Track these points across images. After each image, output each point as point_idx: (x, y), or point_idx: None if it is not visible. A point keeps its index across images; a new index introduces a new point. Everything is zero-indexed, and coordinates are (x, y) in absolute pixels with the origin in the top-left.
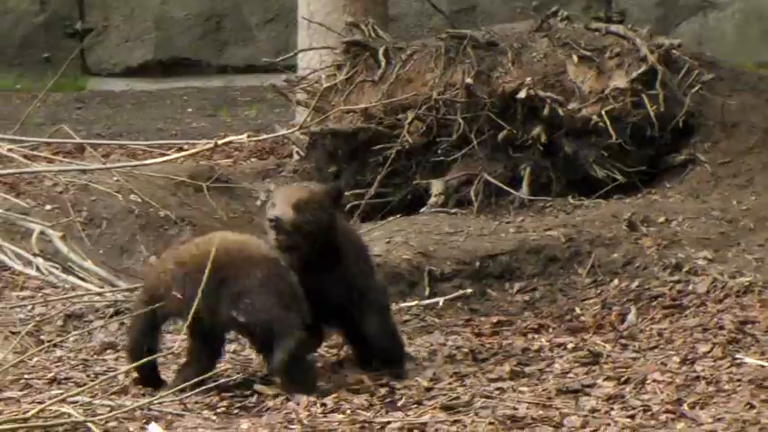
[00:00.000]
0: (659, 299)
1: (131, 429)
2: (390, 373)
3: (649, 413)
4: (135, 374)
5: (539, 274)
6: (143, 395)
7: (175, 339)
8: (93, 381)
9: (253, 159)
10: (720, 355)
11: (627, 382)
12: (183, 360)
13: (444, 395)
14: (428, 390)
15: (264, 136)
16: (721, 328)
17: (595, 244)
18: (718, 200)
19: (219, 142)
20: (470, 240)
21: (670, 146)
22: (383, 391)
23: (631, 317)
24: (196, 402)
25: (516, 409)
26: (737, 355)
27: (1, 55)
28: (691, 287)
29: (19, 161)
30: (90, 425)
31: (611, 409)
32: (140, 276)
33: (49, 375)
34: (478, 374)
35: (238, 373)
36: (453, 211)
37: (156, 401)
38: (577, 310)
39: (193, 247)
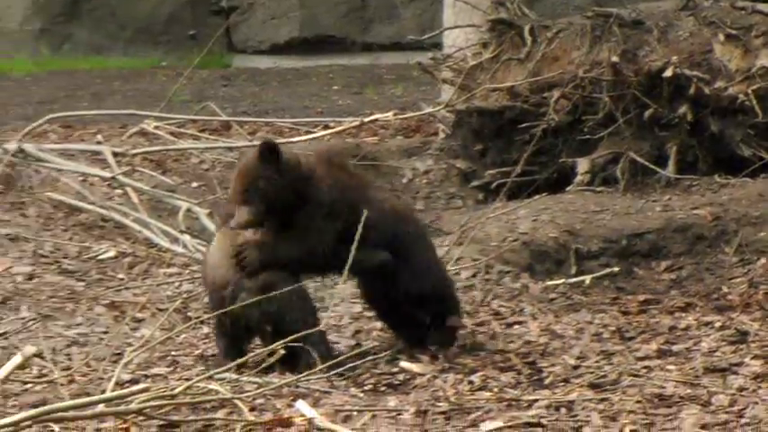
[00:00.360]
0: None
1: (278, 406)
2: (446, 335)
3: None
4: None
5: (685, 253)
6: (290, 372)
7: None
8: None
9: (399, 137)
10: None
11: None
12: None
13: (591, 373)
14: (575, 368)
15: (410, 114)
16: None
17: (742, 223)
18: None
19: (365, 120)
20: (617, 219)
21: None
22: (530, 369)
23: None
24: (343, 379)
25: (663, 387)
26: None
27: (147, 32)
28: None
29: (165, 138)
30: (237, 402)
31: (759, 387)
32: None
33: (197, 352)
34: (625, 353)
35: (386, 351)
36: (599, 189)
37: (303, 378)
38: (724, 289)
39: None
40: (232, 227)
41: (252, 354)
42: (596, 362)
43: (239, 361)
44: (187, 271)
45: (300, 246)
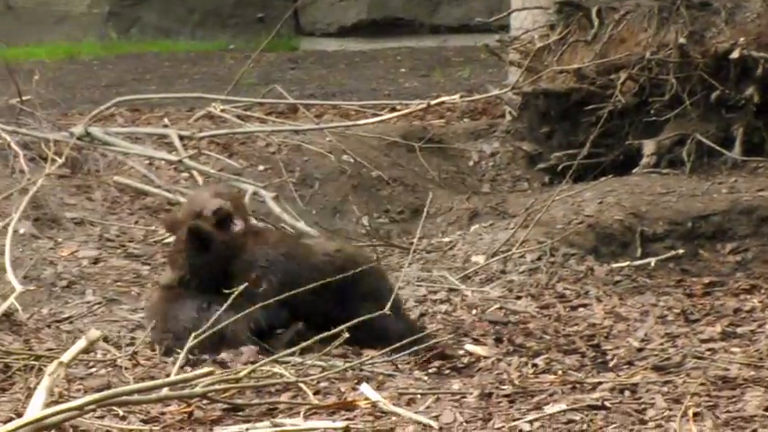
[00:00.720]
0: None
1: (343, 390)
2: None
3: None
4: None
5: (751, 235)
6: (355, 355)
7: None
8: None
9: (465, 120)
10: None
11: None
12: None
13: (655, 356)
14: (639, 350)
15: (477, 96)
16: None
17: None
18: None
19: (432, 102)
20: (682, 201)
21: None
22: (594, 351)
23: None
24: (407, 363)
25: (728, 369)
26: None
27: (215, 15)
28: None
29: (232, 122)
30: (301, 385)
31: None
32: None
33: None
34: (690, 335)
35: (450, 334)
36: (665, 171)
37: (367, 362)
38: None
39: None
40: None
41: (317, 336)
42: (660, 344)
43: (304, 344)
44: None
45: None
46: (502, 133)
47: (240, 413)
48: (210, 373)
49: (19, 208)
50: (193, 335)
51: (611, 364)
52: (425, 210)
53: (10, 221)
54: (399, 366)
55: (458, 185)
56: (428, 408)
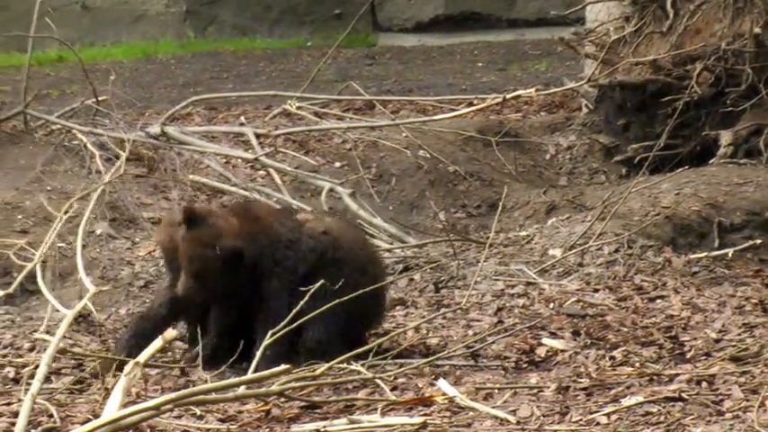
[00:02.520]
0: None
1: (420, 385)
2: None
3: None
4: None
5: None
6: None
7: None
8: (380, 337)
9: (542, 113)
10: None
11: None
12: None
13: (733, 347)
14: (717, 341)
15: (553, 89)
16: None
17: None
18: None
19: (508, 96)
20: (760, 191)
21: None
22: (672, 343)
23: None
24: (484, 357)
25: None
26: None
27: (292, 12)
28: None
29: (309, 119)
30: (379, 381)
31: None
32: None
33: None
34: (767, 325)
35: (527, 328)
36: (742, 161)
37: (444, 357)
38: None
39: None
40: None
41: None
42: (738, 335)
43: (378, 341)
44: None
45: None
46: (578, 126)
47: (317, 411)
48: (287, 371)
49: (88, 207)
50: (270, 332)
51: (688, 355)
52: (500, 204)
53: (80, 222)
54: (477, 361)
55: (534, 179)
56: (505, 402)
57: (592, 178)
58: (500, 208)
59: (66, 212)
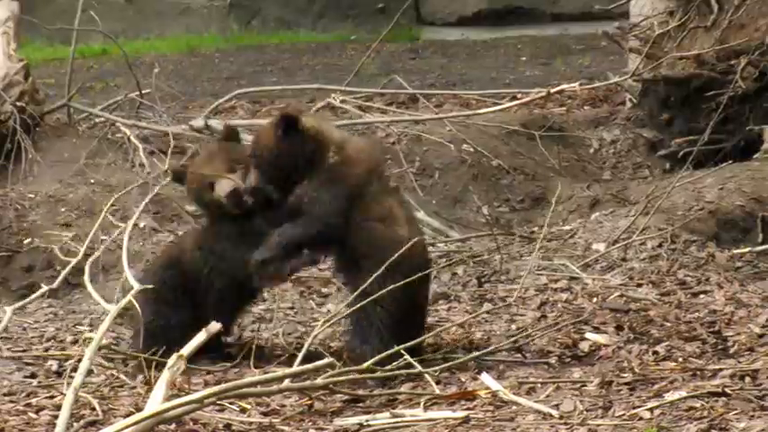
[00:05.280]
0: None
1: (463, 380)
2: None
3: None
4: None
5: None
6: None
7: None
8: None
9: (586, 107)
10: None
11: None
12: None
13: None
14: (760, 336)
15: (596, 84)
16: None
17: None
18: None
19: (552, 91)
20: None
21: None
22: (715, 338)
23: None
24: (528, 351)
25: None
26: None
27: (336, 7)
28: None
29: (352, 112)
30: (426, 376)
31: None
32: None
33: None
34: None
35: (571, 322)
36: None
37: (489, 353)
38: None
39: None
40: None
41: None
42: None
43: (423, 337)
44: None
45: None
46: (622, 120)
47: (360, 404)
48: (332, 365)
49: (140, 206)
50: (322, 320)
51: (731, 350)
52: (554, 201)
53: (123, 215)
54: (520, 356)
55: (578, 173)
56: (548, 396)
57: (635, 173)
58: (553, 204)
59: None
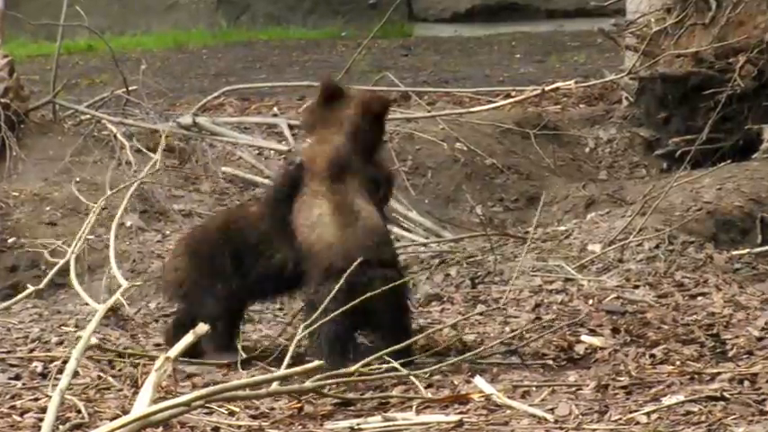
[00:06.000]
0: None
1: (456, 383)
2: None
3: None
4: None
5: None
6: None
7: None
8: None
9: (581, 106)
10: None
11: None
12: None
13: None
14: (759, 339)
15: (592, 82)
16: None
17: None
18: None
19: (547, 88)
20: None
21: None
22: (713, 341)
23: None
24: (521, 354)
25: None
26: None
27: (327, 3)
28: None
29: None
30: (413, 378)
31: None
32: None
33: None
34: None
35: (566, 324)
36: None
37: (481, 354)
38: None
39: None
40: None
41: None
42: None
43: (414, 338)
44: None
45: None
46: (618, 119)
47: (351, 408)
48: (321, 368)
49: (123, 202)
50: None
51: (730, 353)
52: (542, 199)
53: (110, 214)
54: (514, 358)
55: (574, 173)
56: (543, 400)
57: (632, 172)
58: (541, 203)
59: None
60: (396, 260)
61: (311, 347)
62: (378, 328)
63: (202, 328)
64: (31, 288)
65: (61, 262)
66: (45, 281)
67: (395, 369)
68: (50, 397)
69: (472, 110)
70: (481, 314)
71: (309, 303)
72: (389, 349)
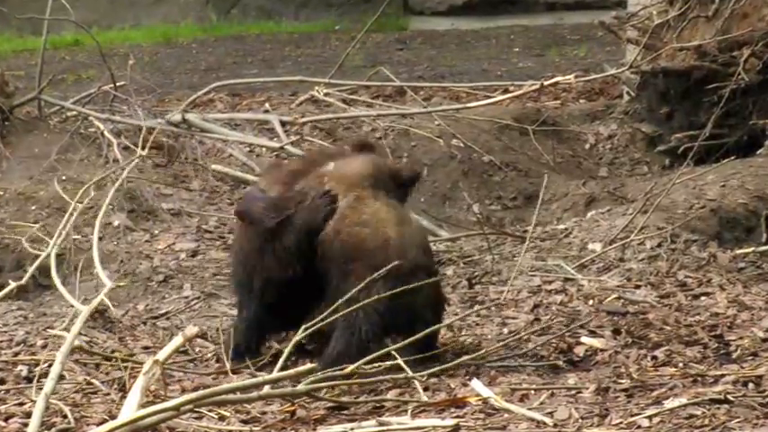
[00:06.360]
0: None
1: (453, 386)
2: None
3: None
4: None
5: None
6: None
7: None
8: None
9: (581, 100)
10: None
11: None
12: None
13: None
14: (764, 340)
15: (593, 76)
16: None
17: None
18: None
19: (546, 83)
20: None
21: None
22: (717, 342)
23: None
24: (519, 357)
25: None
26: None
27: None
28: None
29: (336, 106)
30: (414, 381)
31: None
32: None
33: None
34: None
35: (565, 325)
36: None
37: (479, 356)
38: None
39: None
40: None
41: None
42: None
43: (410, 339)
44: None
45: None
46: (620, 114)
47: (345, 412)
48: (313, 370)
49: (106, 199)
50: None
51: (734, 355)
52: (540, 196)
53: (96, 213)
54: (512, 361)
55: (573, 170)
56: (542, 404)
57: (633, 169)
58: (540, 200)
59: (80, 202)
60: (437, 268)
61: (337, 344)
62: (411, 331)
63: (192, 330)
64: (12, 284)
65: (43, 255)
66: (26, 277)
67: (393, 370)
68: (35, 401)
69: (469, 105)
70: (478, 315)
71: (349, 300)
72: (384, 350)
